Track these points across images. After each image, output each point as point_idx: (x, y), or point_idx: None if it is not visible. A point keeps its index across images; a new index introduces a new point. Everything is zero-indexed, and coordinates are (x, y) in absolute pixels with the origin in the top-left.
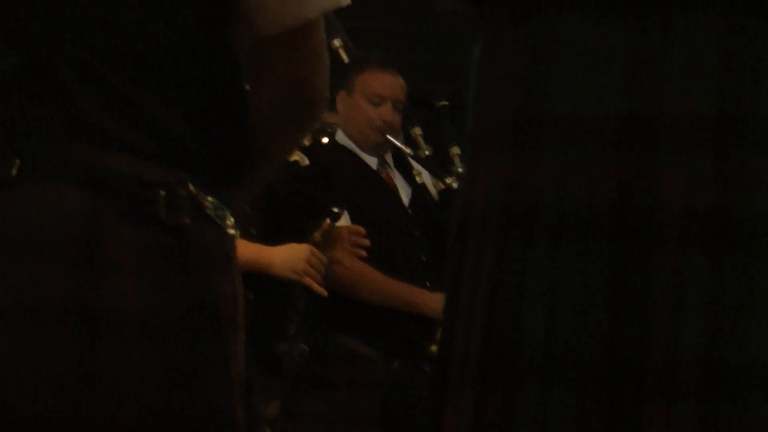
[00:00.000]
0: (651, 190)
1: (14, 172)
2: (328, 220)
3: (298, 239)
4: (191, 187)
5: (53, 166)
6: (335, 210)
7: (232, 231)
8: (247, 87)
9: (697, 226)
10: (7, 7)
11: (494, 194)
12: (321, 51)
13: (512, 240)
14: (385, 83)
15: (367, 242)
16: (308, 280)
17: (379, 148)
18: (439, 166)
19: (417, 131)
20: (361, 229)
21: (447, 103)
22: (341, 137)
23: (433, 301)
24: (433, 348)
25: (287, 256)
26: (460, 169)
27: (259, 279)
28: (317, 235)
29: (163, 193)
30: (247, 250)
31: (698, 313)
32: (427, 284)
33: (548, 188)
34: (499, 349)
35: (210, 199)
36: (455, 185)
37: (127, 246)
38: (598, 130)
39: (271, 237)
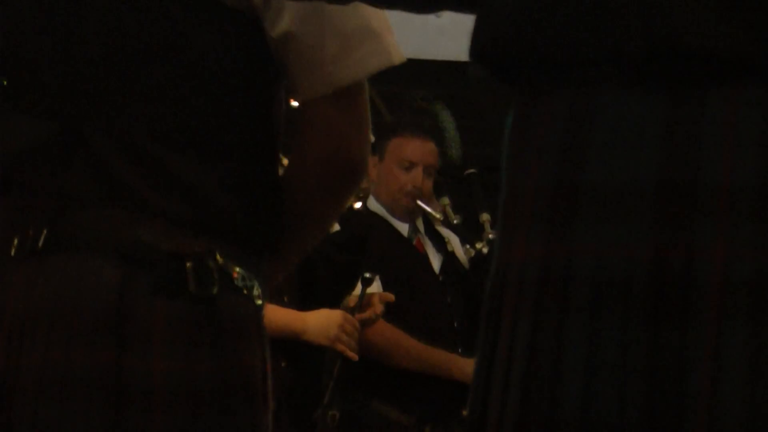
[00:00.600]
0: (688, 260)
1: (41, 242)
2: (360, 286)
3: (331, 305)
4: (219, 257)
5: (82, 236)
6: (368, 275)
7: (259, 301)
8: (282, 155)
9: (736, 296)
10: (42, 74)
11: (530, 264)
12: (365, 113)
13: (548, 309)
14: (416, 148)
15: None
16: (341, 347)
17: (411, 213)
18: (469, 232)
19: (445, 201)
20: (392, 296)
21: (475, 170)
22: (372, 203)
23: (465, 366)
24: (465, 413)
25: (320, 322)
26: (490, 235)
27: (293, 345)
28: (350, 301)
29: (189, 264)
30: (281, 315)
31: (738, 383)
32: (459, 350)
33: (584, 258)
34: (535, 420)
35: (238, 269)
36: (485, 250)
37: (155, 318)
38: (634, 200)
39: (304, 303)
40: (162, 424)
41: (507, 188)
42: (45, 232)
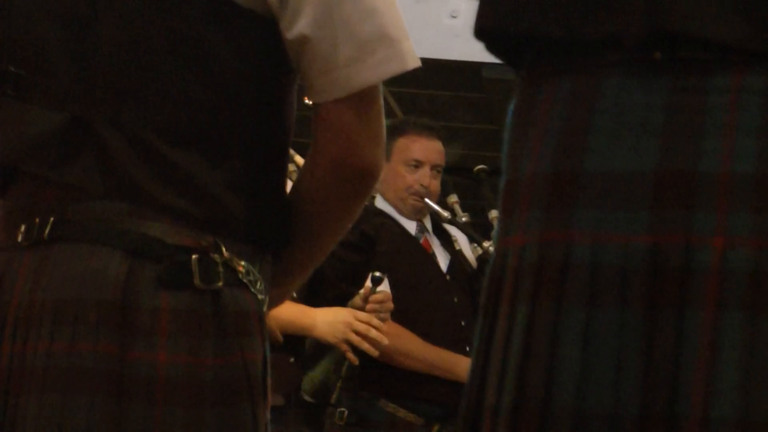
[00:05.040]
0: (686, 248)
1: (48, 230)
2: (369, 284)
3: (339, 303)
4: (225, 252)
5: (88, 227)
6: (378, 274)
7: (262, 296)
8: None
9: (733, 283)
10: (54, 65)
11: (528, 249)
12: (379, 117)
13: (546, 295)
14: (422, 147)
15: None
16: (345, 347)
17: (418, 213)
18: (477, 230)
19: (453, 199)
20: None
21: (485, 167)
22: (380, 202)
23: None
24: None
25: (329, 320)
26: None
27: (301, 341)
28: (358, 300)
29: (195, 257)
30: (290, 310)
31: (733, 372)
32: (467, 349)
33: (582, 244)
34: (530, 406)
35: (243, 263)
36: (492, 249)
37: (160, 310)
38: (633, 187)
39: (312, 300)
40: (164, 416)
41: (507, 174)
42: (52, 220)
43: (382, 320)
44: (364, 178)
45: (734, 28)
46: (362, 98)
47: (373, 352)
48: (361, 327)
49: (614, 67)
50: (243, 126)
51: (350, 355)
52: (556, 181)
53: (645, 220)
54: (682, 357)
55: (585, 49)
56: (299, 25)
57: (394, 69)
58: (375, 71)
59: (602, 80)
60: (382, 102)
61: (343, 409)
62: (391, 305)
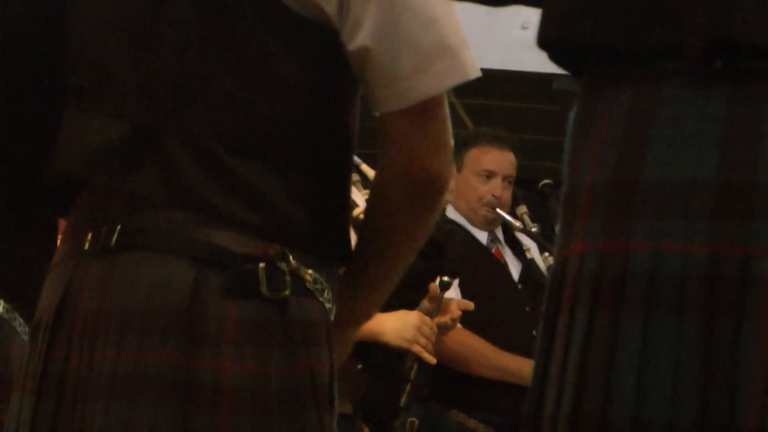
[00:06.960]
0: (744, 258)
1: (114, 238)
2: (437, 288)
3: (408, 309)
4: (292, 260)
5: (154, 235)
6: (446, 279)
7: (329, 305)
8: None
9: None
10: (117, 76)
11: (587, 259)
12: (444, 127)
13: (604, 304)
14: (494, 158)
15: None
16: (418, 348)
17: (490, 224)
18: (546, 241)
19: (522, 209)
20: (471, 305)
21: (550, 181)
22: (452, 213)
23: None
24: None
25: (397, 324)
26: None
27: (369, 348)
28: (426, 303)
29: (262, 265)
30: None
31: None
32: None
33: (641, 254)
34: (588, 415)
35: (310, 272)
36: None
37: (226, 319)
38: (691, 197)
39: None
40: (230, 424)
41: (567, 183)
42: (119, 228)
43: (450, 328)
44: (431, 189)
45: None
46: (425, 109)
47: (431, 360)
48: (427, 331)
49: (673, 77)
50: (305, 136)
51: (426, 355)
52: (616, 190)
53: (704, 229)
54: (740, 367)
55: (645, 59)
56: (360, 37)
57: (455, 79)
58: (436, 82)
59: (661, 90)
60: (447, 111)
61: (413, 418)
62: (457, 314)
